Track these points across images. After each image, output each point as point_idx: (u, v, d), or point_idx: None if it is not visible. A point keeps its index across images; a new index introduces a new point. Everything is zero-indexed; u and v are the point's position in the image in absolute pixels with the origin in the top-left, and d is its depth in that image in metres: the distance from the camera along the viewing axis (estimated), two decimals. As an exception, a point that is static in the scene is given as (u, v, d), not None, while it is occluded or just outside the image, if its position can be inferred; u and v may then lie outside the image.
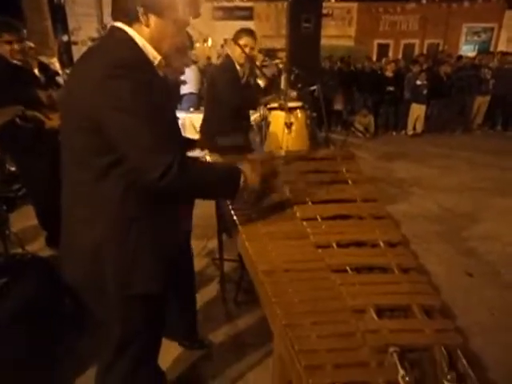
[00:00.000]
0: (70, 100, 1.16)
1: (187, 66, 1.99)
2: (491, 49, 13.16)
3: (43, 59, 3.52)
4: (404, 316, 1.02)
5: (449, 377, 0.83)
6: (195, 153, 1.69)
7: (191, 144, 1.71)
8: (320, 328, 0.98)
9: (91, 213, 1.18)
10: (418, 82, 7.66)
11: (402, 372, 0.84)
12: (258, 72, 3.41)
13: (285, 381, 1.25)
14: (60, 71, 4.76)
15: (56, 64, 5.75)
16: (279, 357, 1.11)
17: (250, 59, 2.88)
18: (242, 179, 1.32)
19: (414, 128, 7.97)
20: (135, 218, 1.19)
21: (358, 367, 0.88)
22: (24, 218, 3.52)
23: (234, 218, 1.49)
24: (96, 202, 1.17)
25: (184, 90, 6.93)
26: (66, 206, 1.26)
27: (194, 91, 7.10)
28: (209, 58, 9.64)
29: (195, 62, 7.33)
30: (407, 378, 0.83)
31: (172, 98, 1.40)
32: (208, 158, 1.73)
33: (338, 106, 8.15)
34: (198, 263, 2.97)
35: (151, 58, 1.19)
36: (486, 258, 3.21)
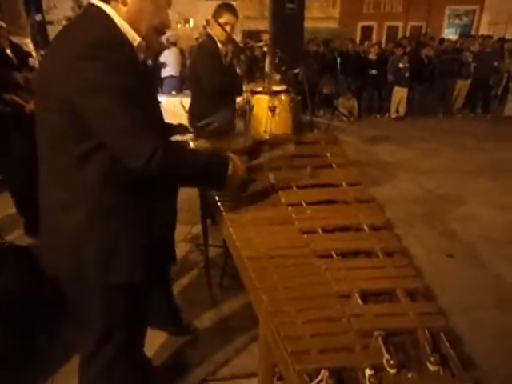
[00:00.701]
0: (44, 82, 1.11)
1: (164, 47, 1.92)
2: (472, 32, 13.24)
3: (16, 40, 3.36)
4: (389, 300, 1.03)
5: (432, 359, 0.84)
6: (176, 138, 1.65)
7: (172, 129, 1.66)
8: (305, 314, 0.97)
9: (71, 198, 1.14)
10: (401, 65, 7.68)
11: (386, 356, 0.85)
12: (241, 57, 3.33)
13: (271, 366, 1.26)
14: (34, 52, 4.57)
15: (29, 45, 5.50)
16: (265, 343, 1.11)
17: (232, 40, 2.80)
18: (230, 167, 1.27)
19: (397, 111, 8.02)
20: (116, 206, 1.16)
21: (343, 352, 0.89)
22: (2, 207, 3.42)
23: (219, 204, 1.46)
24: (76, 188, 1.13)
25: (164, 73, 6.76)
26: (43, 190, 1.21)
27: (174, 74, 6.93)
28: (197, 39, 9.36)
29: (174, 44, 7.08)
30: (392, 362, 0.83)
31: (154, 82, 1.34)
32: (191, 144, 1.69)
33: (326, 90, 8.07)
34: (182, 249, 2.96)
35: (130, 38, 1.13)
36: (465, 239, 3.28)
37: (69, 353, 1.93)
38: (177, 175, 1.20)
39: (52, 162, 1.15)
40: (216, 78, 2.68)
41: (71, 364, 1.89)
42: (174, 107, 3.56)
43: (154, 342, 2.06)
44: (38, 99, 1.18)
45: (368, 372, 0.83)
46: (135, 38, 1.13)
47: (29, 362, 1.87)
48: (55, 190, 1.17)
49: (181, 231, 3.00)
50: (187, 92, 3.39)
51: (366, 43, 9.14)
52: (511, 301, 2.52)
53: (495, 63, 8.07)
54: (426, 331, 0.89)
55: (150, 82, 1.30)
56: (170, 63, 6.74)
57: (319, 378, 0.83)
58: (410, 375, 0.83)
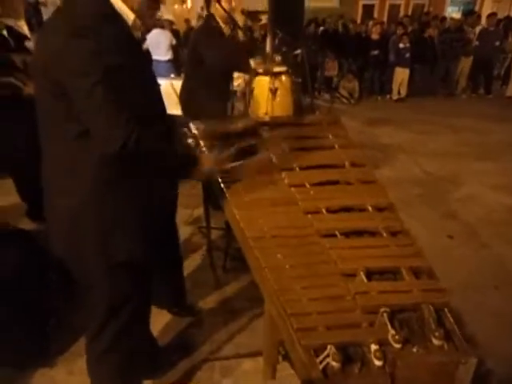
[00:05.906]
0: (38, 63, 1.11)
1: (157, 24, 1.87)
2: (476, 9, 12.95)
3: (10, 22, 3.28)
4: (393, 278, 1.04)
5: (437, 334, 0.85)
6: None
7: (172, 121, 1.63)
8: (311, 292, 0.98)
9: (69, 183, 1.16)
10: (401, 45, 7.54)
11: (392, 331, 0.86)
12: (240, 33, 3.27)
13: (276, 343, 1.28)
14: (29, 35, 4.48)
15: (24, 27, 5.38)
16: (270, 320, 1.12)
17: (232, 19, 2.75)
18: (196, 167, 1.32)
19: (399, 92, 7.93)
20: (112, 182, 1.17)
21: (349, 328, 0.90)
22: (5, 193, 3.41)
23: (222, 185, 1.46)
24: (73, 171, 1.15)
25: (159, 56, 6.61)
26: (45, 177, 1.23)
27: (169, 58, 6.80)
28: (187, 21, 9.17)
29: (162, 27, 6.80)
30: (397, 337, 0.85)
31: (150, 63, 1.32)
32: (191, 126, 1.69)
33: (328, 73, 7.94)
34: (185, 231, 2.97)
35: (125, 16, 1.11)
36: (465, 220, 3.30)
37: (76, 334, 1.96)
38: (143, 165, 1.22)
39: (49, 146, 1.17)
40: (222, 60, 2.64)
41: (78, 345, 1.92)
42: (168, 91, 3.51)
43: (158, 322, 2.09)
44: (34, 82, 1.19)
45: (373, 347, 0.84)
46: (129, 16, 1.12)
47: (37, 343, 1.89)
48: (55, 175, 1.19)
49: (183, 214, 3.01)
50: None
51: (371, 23, 8.87)
52: (510, 281, 2.55)
53: (497, 43, 7.91)
54: (431, 307, 0.91)
55: (144, 63, 1.28)
56: (163, 47, 6.55)
57: (325, 353, 0.84)
58: (414, 350, 0.85)
